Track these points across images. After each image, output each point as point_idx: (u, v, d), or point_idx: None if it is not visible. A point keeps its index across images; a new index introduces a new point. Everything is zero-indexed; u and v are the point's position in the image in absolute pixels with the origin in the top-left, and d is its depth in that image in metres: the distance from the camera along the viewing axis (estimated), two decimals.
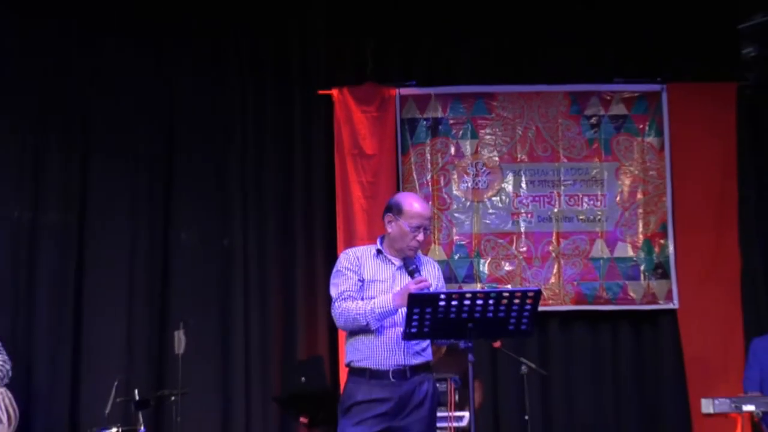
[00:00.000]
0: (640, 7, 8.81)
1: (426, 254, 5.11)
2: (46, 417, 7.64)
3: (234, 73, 8.69)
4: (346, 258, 5.20)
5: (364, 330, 4.95)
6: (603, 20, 8.85)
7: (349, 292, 4.99)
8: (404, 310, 4.64)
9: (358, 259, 5.13)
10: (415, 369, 4.94)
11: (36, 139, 8.10)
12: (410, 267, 4.99)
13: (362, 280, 5.08)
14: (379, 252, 5.11)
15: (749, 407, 6.88)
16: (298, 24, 8.81)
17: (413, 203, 5.08)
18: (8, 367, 6.72)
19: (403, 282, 4.95)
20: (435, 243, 8.55)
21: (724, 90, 8.75)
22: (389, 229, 5.07)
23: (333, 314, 5.11)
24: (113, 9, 8.41)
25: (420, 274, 4.93)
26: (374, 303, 4.90)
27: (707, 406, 6.98)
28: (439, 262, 6.13)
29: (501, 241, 8.55)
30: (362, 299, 5.00)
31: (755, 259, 8.72)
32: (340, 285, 5.06)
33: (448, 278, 7.54)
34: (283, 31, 8.80)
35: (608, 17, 8.84)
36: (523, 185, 8.63)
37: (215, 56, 8.73)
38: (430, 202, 8.50)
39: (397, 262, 5.06)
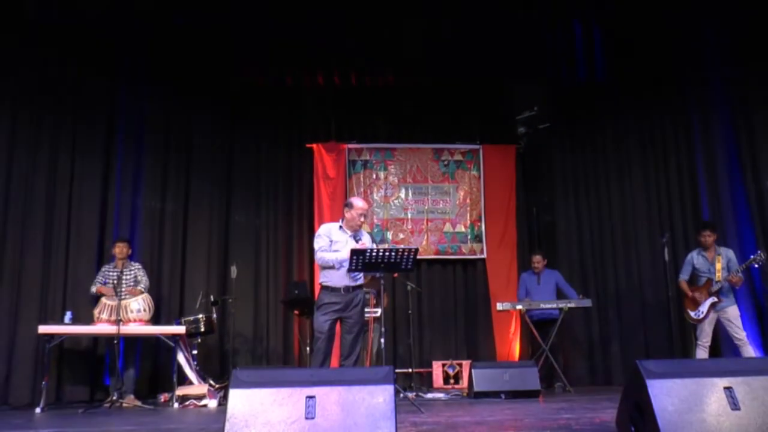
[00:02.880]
0: (470, 104, 9.10)
1: (361, 228, 5.55)
2: (167, 309, 7.73)
3: (266, 138, 8.93)
4: (322, 229, 5.60)
5: (331, 267, 5.36)
6: (452, 110, 9.15)
7: (324, 248, 5.39)
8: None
9: (329, 230, 5.51)
10: (354, 287, 5.39)
11: (164, 165, 8.14)
12: (357, 238, 5.41)
13: (331, 241, 5.41)
14: (340, 227, 5.51)
15: (519, 306, 7.66)
16: (297, 111, 9.04)
17: (358, 203, 5.51)
18: (148, 282, 6.95)
19: (351, 244, 5.33)
20: (365, 224, 8.34)
21: (509, 150, 9.25)
22: (346, 215, 5.48)
23: (315, 258, 5.48)
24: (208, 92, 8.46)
25: (361, 241, 5.42)
26: (338, 254, 5.31)
27: (499, 306, 7.72)
28: (367, 233, 5.98)
29: (398, 223, 8.98)
30: (331, 251, 5.37)
31: (523, 236, 9.18)
32: (319, 243, 5.43)
33: (372, 241, 6.89)
34: (290, 117, 9.05)
35: (455, 110, 9.16)
36: (410, 195, 9.04)
37: (257, 129, 8.92)
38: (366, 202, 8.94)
39: (350, 233, 5.46)
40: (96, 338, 7.03)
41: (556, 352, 7.60)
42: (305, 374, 3.08)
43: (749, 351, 6.37)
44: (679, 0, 7.18)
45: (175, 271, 8.06)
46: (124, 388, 6.50)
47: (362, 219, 5.51)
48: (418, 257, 6.48)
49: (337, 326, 5.46)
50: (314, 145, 9.00)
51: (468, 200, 9.16)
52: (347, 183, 8.95)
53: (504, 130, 9.30)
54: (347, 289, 5.38)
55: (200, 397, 6.46)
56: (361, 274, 5.47)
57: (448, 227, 9.07)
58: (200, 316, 7.13)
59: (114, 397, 6.23)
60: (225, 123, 8.78)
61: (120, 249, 6.88)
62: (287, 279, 8.62)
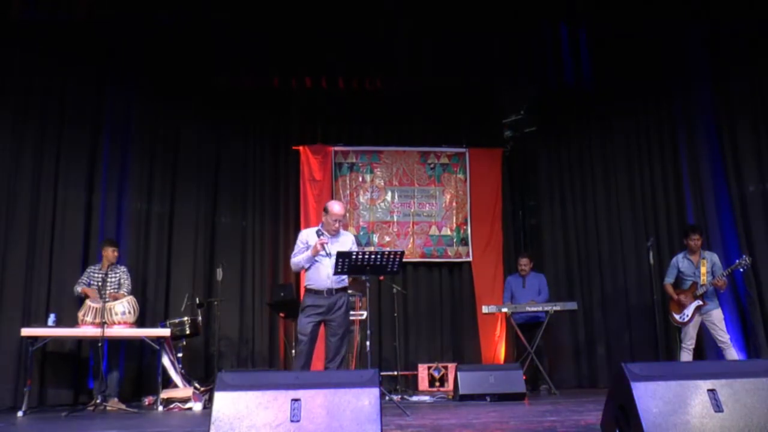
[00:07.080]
0: (457, 107, 9.14)
1: (346, 230, 5.59)
2: (152, 311, 7.62)
3: (252, 140, 8.95)
4: (300, 236, 5.58)
5: (308, 269, 5.38)
6: (439, 113, 9.22)
7: (297, 254, 5.44)
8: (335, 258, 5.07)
9: (307, 235, 5.49)
10: (338, 290, 5.40)
11: (150, 167, 8.02)
12: (319, 235, 5.36)
13: (308, 246, 5.37)
14: (318, 231, 5.45)
15: (504, 309, 7.71)
16: (284, 113, 9.07)
17: (335, 208, 5.46)
18: (130, 285, 6.85)
19: (329, 248, 5.29)
20: (351, 226, 8.72)
21: (495, 153, 9.32)
22: (323, 220, 5.49)
23: (291, 263, 5.56)
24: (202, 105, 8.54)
25: (324, 236, 5.33)
26: (303, 254, 5.34)
27: (485, 309, 7.73)
28: (353, 235, 5.90)
29: (384, 225, 9.00)
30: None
31: (509, 240, 9.24)
32: (295, 248, 5.49)
33: (357, 243, 6.74)
34: (277, 119, 9.09)
35: (442, 113, 9.23)
36: (396, 198, 9.07)
37: (244, 131, 8.93)
38: (349, 206, 8.78)
39: (328, 237, 5.39)
40: (80, 341, 6.97)
41: (541, 354, 7.62)
42: (291, 377, 3.07)
43: (732, 354, 6.43)
44: (666, 7, 7.25)
45: (161, 273, 8.01)
46: (108, 391, 6.45)
47: (337, 224, 5.48)
48: (404, 260, 6.76)
49: (322, 329, 5.45)
50: (300, 148, 9.01)
51: (454, 203, 9.19)
52: (333, 185, 8.96)
53: (490, 133, 9.35)
54: (330, 291, 5.38)
55: (185, 400, 6.43)
56: (345, 277, 5.45)
57: (434, 230, 9.10)
58: (185, 318, 7.09)
59: (98, 401, 6.18)
60: (212, 125, 8.75)
61: (111, 253, 6.79)
62: (273, 281, 8.60)
